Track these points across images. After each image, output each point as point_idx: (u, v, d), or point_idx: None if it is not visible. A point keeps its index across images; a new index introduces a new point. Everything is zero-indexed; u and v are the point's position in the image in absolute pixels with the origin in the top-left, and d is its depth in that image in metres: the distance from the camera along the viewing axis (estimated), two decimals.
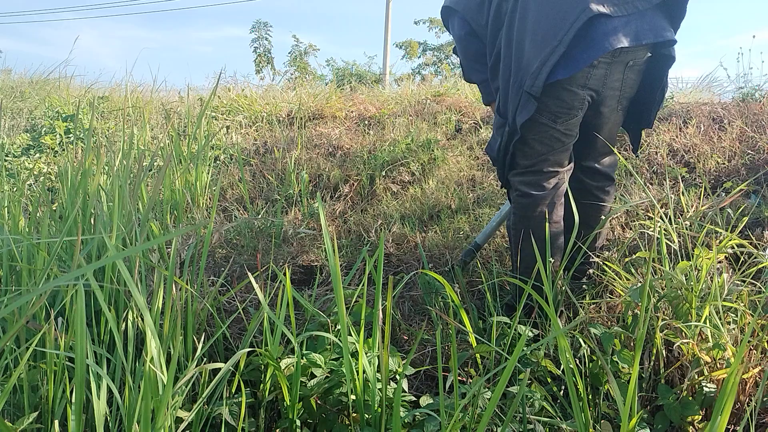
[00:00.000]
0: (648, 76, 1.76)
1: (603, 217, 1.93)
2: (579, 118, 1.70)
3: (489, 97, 1.92)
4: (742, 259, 1.82)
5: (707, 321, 1.42)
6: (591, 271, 1.94)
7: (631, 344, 1.49)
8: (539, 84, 1.57)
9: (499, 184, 1.95)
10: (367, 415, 1.27)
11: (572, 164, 1.81)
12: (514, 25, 1.64)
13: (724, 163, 2.87)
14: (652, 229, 1.90)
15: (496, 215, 2.20)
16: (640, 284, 1.55)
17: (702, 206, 2.06)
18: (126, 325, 1.30)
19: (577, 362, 1.42)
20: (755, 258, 1.66)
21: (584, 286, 1.91)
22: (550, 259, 1.64)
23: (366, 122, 4.27)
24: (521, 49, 1.62)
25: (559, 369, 1.40)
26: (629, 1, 1.57)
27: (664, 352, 1.45)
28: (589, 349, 1.45)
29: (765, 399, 1.32)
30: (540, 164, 1.73)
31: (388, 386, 1.25)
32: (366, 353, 1.30)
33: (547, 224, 1.70)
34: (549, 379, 1.46)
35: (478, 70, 1.89)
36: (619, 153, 3.12)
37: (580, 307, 1.67)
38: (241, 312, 1.60)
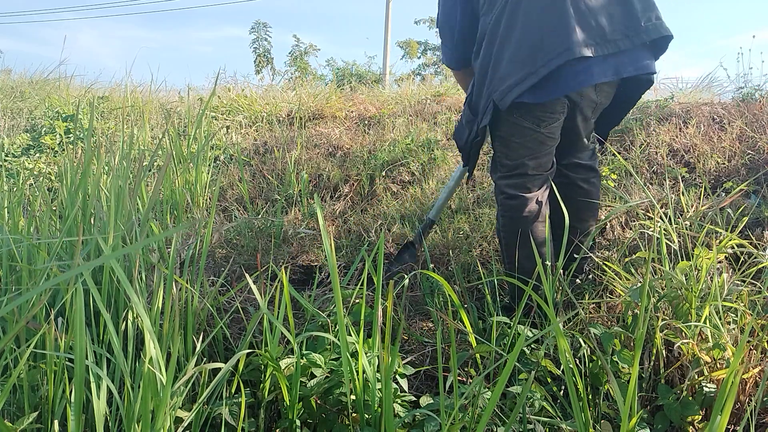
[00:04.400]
0: (626, 93, 1.83)
1: (595, 210, 1.98)
2: (561, 121, 1.74)
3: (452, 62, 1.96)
4: (742, 259, 1.82)
5: (707, 321, 1.42)
6: (587, 267, 1.95)
7: (631, 344, 1.49)
8: (506, 101, 1.61)
9: (463, 162, 2.00)
10: (367, 415, 1.27)
11: (554, 168, 1.85)
12: (499, 30, 1.64)
13: (724, 163, 2.87)
14: (652, 229, 1.90)
15: (446, 187, 2.36)
16: (640, 284, 1.55)
17: (702, 206, 2.06)
18: (126, 324, 1.30)
19: (577, 362, 1.42)
20: (755, 258, 1.66)
21: (578, 281, 1.91)
22: (547, 262, 1.64)
23: (366, 122, 4.27)
24: (500, 58, 1.63)
25: (559, 369, 1.40)
26: (611, 41, 1.60)
27: (664, 352, 1.45)
28: (589, 349, 1.45)
29: (765, 399, 1.32)
30: (524, 167, 1.75)
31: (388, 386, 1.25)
32: (366, 353, 1.30)
33: (542, 225, 1.73)
34: (549, 379, 1.46)
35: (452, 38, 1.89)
36: (619, 153, 3.13)
37: (580, 306, 1.67)
38: (241, 312, 1.60)
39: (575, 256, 1.77)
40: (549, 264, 1.63)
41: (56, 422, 1.09)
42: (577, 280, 1.91)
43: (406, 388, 1.38)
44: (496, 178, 1.82)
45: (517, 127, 1.70)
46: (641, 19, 1.63)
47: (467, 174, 2.16)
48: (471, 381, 1.46)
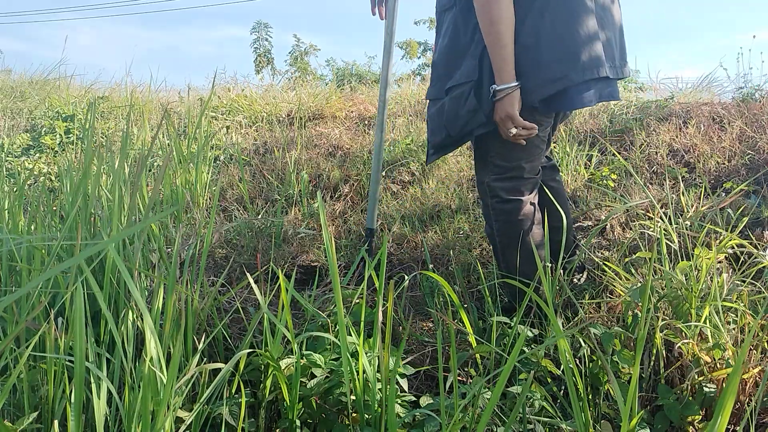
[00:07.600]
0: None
1: (569, 205, 2.06)
2: (551, 127, 1.82)
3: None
4: (742, 259, 1.82)
5: (707, 321, 1.42)
6: (578, 262, 1.97)
7: (631, 344, 1.49)
8: (533, 99, 1.59)
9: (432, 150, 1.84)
10: (367, 415, 1.27)
11: (541, 173, 1.86)
12: (543, 21, 1.58)
13: (724, 163, 2.87)
14: (652, 229, 1.90)
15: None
16: (640, 284, 1.55)
17: (702, 206, 2.06)
18: (126, 325, 1.30)
19: (577, 362, 1.42)
20: (755, 258, 1.66)
21: (575, 281, 1.91)
22: (547, 264, 1.64)
23: (366, 122, 4.28)
24: (538, 49, 1.57)
25: (559, 369, 1.40)
26: (612, 68, 1.72)
27: (664, 352, 1.45)
28: (589, 349, 1.45)
29: (765, 399, 1.32)
30: (520, 169, 1.74)
31: (388, 386, 1.25)
32: (366, 353, 1.30)
33: (539, 228, 1.75)
34: (549, 379, 1.46)
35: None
36: (619, 153, 3.13)
37: (580, 306, 1.67)
38: (241, 312, 1.60)
39: (571, 254, 1.77)
40: (549, 266, 1.63)
41: (56, 422, 1.09)
42: (574, 280, 1.92)
43: (406, 388, 1.38)
44: (489, 179, 1.77)
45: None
46: (625, 57, 1.80)
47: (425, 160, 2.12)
48: (471, 381, 1.46)
